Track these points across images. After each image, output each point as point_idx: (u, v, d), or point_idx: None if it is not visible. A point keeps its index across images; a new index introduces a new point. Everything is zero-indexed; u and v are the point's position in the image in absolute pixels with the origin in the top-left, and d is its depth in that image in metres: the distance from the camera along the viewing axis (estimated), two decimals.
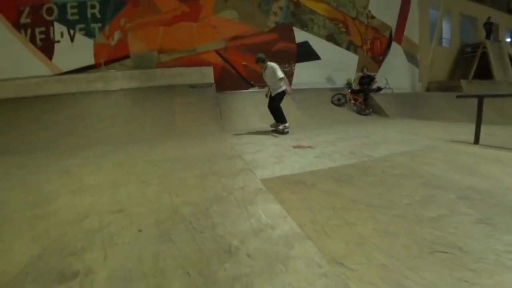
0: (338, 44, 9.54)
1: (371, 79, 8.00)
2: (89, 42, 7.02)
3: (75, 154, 3.63)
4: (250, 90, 8.18)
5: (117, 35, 7.16)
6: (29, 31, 6.65)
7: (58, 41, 6.83)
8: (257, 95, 6.97)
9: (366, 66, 8.64)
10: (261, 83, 7.49)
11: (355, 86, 8.74)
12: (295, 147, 3.38)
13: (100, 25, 7.06)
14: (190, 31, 7.68)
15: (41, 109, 5.66)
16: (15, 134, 4.94)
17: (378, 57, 10.33)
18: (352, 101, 8.04)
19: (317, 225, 1.38)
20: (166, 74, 7.11)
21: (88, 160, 3.25)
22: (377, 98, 8.19)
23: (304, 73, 8.93)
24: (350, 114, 7.60)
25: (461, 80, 10.52)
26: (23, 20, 6.60)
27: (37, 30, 6.70)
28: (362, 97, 7.96)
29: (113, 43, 7.15)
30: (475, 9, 13.06)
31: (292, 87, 8.76)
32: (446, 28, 12.35)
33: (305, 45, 8.98)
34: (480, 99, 3.23)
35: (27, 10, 6.61)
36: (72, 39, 6.91)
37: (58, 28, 6.82)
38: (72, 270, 1.06)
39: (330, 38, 9.39)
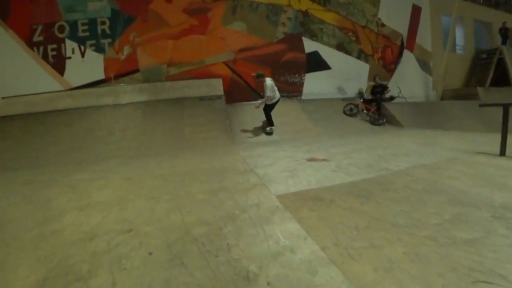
0: (348, 53, 9.47)
1: (384, 88, 7.85)
2: (99, 58, 7.23)
3: (84, 169, 3.64)
4: (260, 101, 8.17)
5: (126, 50, 7.35)
6: (41, 48, 6.94)
7: (70, 57, 7.08)
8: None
9: (379, 75, 8.51)
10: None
11: (367, 96, 8.60)
12: (309, 160, 3.29)
13: (110, 40, 7.28)
14: (199, 44, 7.79)
15: (51, 124, 5.79)
16: (25, 150, 5.03)
17: (389, 65, 10.19)
18: (365, 111, 7.89)
19: (341, 248, 1.29)
20: (175, 87, 7.17)
21: (96, 174, 3.24)
22: (390, 107, 8.01)
23: (315, 83, 8.87)
24: (363, 124, 7.45)
25: (478, 88, 10.21)
26: (36, 38, 6.91)
27: (49, 47, 6.98)
28: (374, 106, 7.81)
29: (122, 57, 7.33)
30: (489, 14, 12.77)
31: (303, 97, 8.84)
32: (459, 35, 12.08)
33: (315, 55, 8.95)
34: (506, 108, 3.07)
35: (40, 28, 6.92)
36: (83, 55, 7.15)
37: (70, 45, 7.08)
38: None
39: (340, 47, 9.35)
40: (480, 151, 3.31)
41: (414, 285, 1.00)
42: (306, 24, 8.86)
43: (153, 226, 1.60)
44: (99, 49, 7.22)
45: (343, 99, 8.52)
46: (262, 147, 4.72)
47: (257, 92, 8.00)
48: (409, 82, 10.18)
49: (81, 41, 7.14)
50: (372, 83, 8.36)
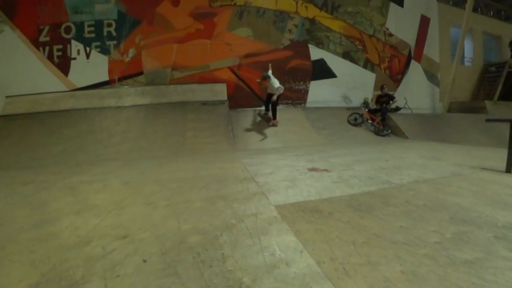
0: (354, 62, 9.48)
1: (390, 98, 7.81)
2: (104, 59, 7.35)
3: (84, 171, 3.65)
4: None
5: (131, 52, 7.46)
6: (47, 48, 7.08)
7: (75, 58, 7.22)
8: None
9: (386, 84, 8.47)
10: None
11: (373, 105, 8.56)
12: (310, 169, 3.27)
13: (115, 42, 7.40)
14: (204, 48, 7.88)
15: (54, 124, 5.83)
16: (27, 149, 5.06)
17: (396, 75, 10.16)
18: (370, 121, 7.84)
19: (337, 262, 1.27)
20: (179, 90, 7.22)
21: (96, 177, 3.25)
22: (395, 118, 7.96)
23: (320, 91, 8.88)
24: (368, 135, 7.40)
25: (486, 101, 10.10)
26: (42, 38, 7.06)
27: (55, 48, 7.12)
28: (379, 116, 7.76)
29: (127, 59, 7.43)
30: (499, 27, 12.68)
31: (307, 105, 8.85)
32: (468, 47, 12.01)
33: (321, 63, 8.98)
34: None
35: (46, 28, 7.06)
36: (88, 56, 7.28)
37: (75, 46, 7.22)
38: None
39: (347, 55, 9.36)
40: (486, 167, 3.25)
41: None
42: (312, 32, 8.91)
43: (149, 233, 1.59)
44: (104, 50, 7.34)
45: (348, 108, 8.50)
46: (264, 154, 4.71)
47: (261, 98, 8.03)
48: (415, 93, 10.12)
49: (86, 42, 7.26)
50: (378, 92, 8.33)
